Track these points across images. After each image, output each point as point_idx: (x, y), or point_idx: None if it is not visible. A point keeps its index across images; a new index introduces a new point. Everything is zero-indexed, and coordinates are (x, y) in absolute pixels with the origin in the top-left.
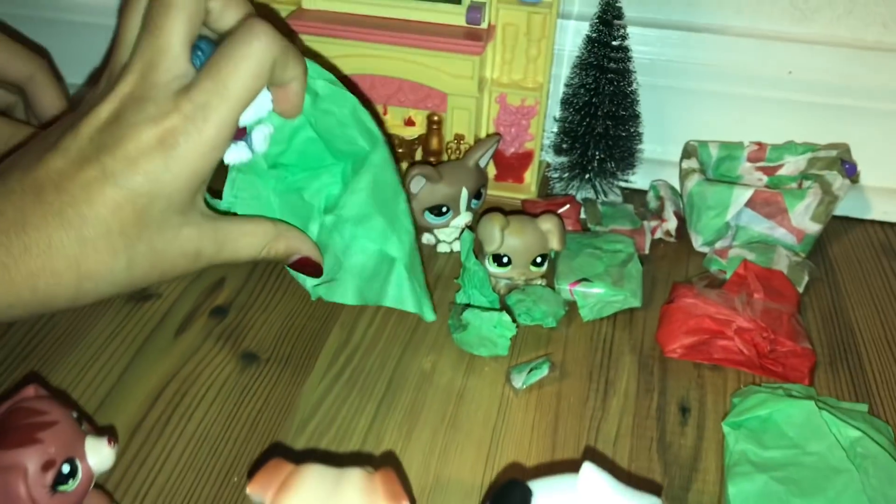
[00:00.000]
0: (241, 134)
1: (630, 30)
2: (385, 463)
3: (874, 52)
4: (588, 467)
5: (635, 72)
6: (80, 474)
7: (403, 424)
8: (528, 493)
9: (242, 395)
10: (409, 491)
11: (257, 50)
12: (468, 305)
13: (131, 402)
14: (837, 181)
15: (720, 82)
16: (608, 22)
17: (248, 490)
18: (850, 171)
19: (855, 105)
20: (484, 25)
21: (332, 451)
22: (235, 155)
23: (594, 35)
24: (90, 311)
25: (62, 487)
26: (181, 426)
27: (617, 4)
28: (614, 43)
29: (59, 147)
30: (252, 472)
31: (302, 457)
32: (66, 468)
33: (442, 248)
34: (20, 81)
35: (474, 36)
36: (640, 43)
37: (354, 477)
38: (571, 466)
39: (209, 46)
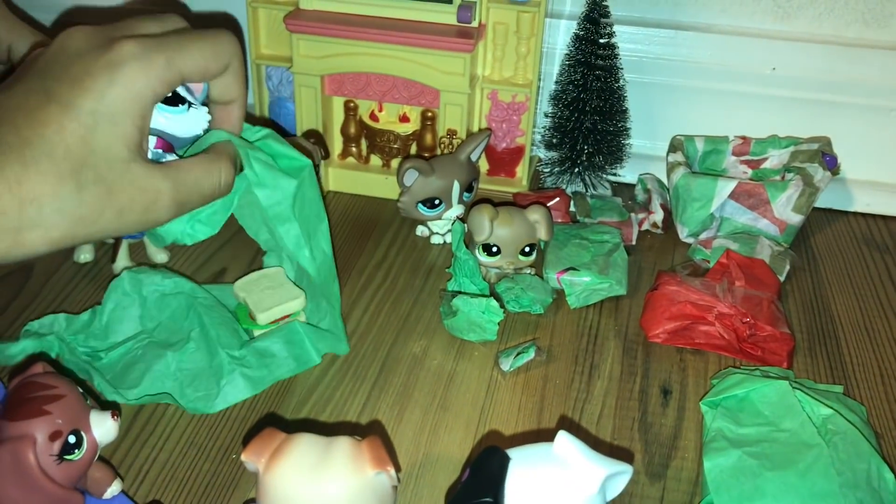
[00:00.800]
0: (168, 147)
1: (618, 28)
2: (372, 432)
3: (855, 49)
4: (563, 435)
5: (622, 68)
6: (85, 445)
7: (395, 405)
8: (505, 459)
9: None
10: (394, 458)
11: (226, 41)
12: (459, 293)
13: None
14: (819, 173)
15: (706, 79)
16: (595, 20)
17: (243, 457)
18: (830, 163)
19: (837, 100)
20: (474, 24)
21: (322, 422)
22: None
23: (582, 33)
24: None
25: (68, 457)
26: (180, 409)
27: (603, 3)
28: (601, 41)
29: (8, 86)
30: (246, 441)
31: (293, 427)
32: (72, 438)
33: (435, 239)
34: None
35: (465, 34)
36: (628, 41)
37: (343, 444)
38: (549, 437)
39: None
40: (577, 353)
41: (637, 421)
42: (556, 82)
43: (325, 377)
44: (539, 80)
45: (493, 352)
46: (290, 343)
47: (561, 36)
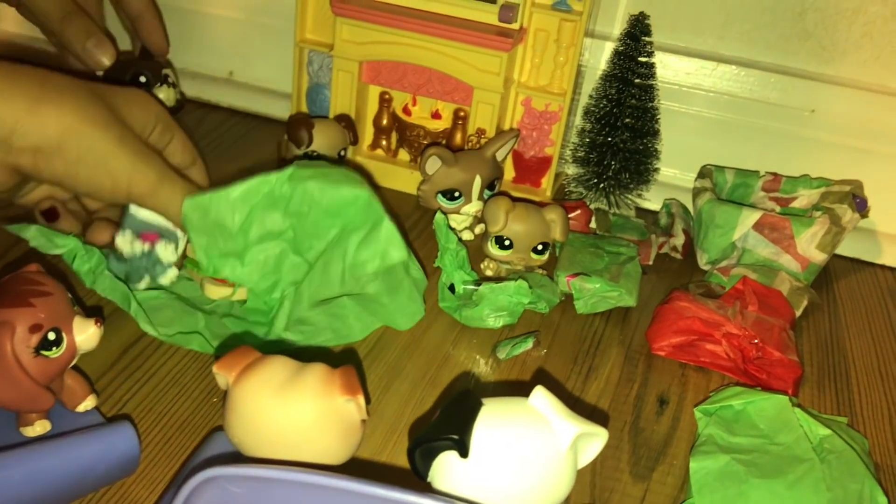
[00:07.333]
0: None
1: (659, 56)
2: (348, 363)
3: None
4: (540, 389)
5: (659, 89)
6: (64, 345)
7: (384, 377)
8: (478, 404)
9: None
10: (365, 391)
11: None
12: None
13: (129, 324)
14: (847, 214)
15: (742, 114)
16: (636, 37)
17: (214, 369)
18: (860, 205)
19: (874, 149)
20: (515, 26)
21: (301, 351)
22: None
23: (621, 48)
24: None
25: (46, 353)
26: (172, 350)
27: (646, 21)
28: (641, 59)
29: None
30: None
31: (271, 353)
32: (51, 335)
33: None
34: (132, 16)
35: (505, 34)
36: (667, 68)
37: (315, 369)
38: (528, 394)
39: None
40: (578, 354)
41: (629, 424)
42: (590, 97)
43: None
44: (575, 92)
45: (492, 341)
46: (332, 316)
47: (604, 55)
